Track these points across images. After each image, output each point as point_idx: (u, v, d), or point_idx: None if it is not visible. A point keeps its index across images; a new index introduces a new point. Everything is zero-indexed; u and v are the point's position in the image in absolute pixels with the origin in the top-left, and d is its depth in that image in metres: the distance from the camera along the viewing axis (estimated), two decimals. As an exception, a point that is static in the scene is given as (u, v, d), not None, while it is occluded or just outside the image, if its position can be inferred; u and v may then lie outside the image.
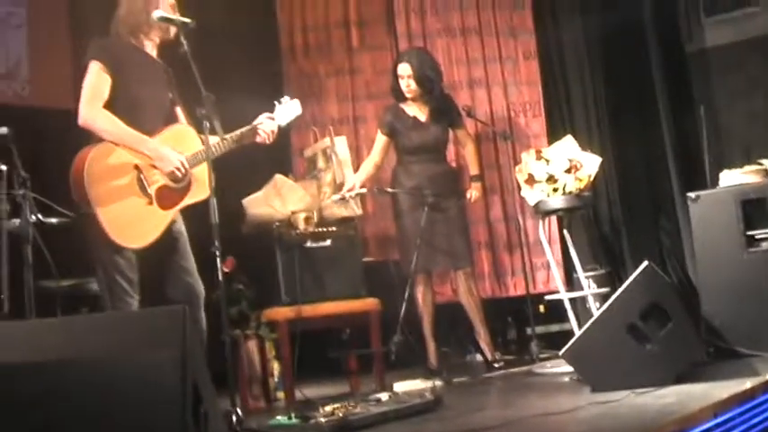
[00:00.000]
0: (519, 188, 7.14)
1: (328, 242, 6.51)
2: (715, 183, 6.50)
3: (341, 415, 4.76)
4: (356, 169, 7.20)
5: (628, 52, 8.79)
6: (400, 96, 7.13)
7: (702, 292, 6.19)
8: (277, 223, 6.49)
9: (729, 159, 7.76)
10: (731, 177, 6.30)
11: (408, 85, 7.04)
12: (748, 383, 4.79)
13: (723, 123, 8.76)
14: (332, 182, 6.90)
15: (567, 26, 8.81)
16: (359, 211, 6.88)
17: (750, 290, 6.00)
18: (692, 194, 6.29)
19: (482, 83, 8.48)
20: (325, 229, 6.56)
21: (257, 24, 8.23)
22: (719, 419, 4.28)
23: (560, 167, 6.83)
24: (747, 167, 6.35)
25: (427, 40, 8.41)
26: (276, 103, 5.50)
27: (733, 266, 6.08)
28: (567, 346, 5.29)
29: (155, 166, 4.93)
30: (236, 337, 6.16)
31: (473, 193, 7.24)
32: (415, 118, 7.11)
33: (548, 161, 6.87)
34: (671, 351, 5.13)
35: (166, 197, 4.96)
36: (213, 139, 5.03)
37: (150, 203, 4.89)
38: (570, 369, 5.63)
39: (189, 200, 5.04)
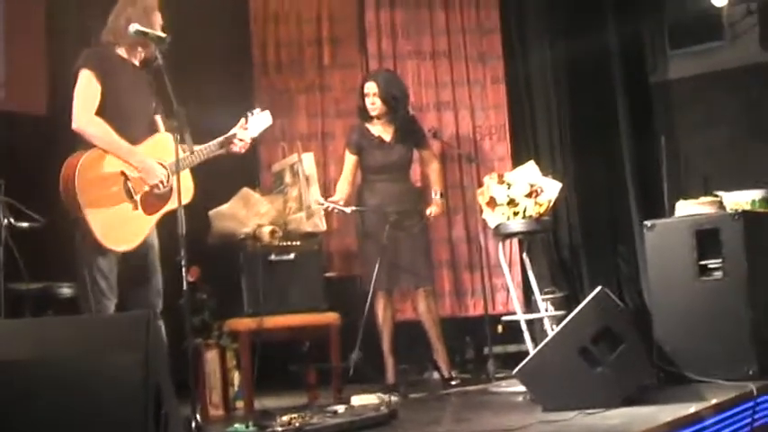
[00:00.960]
0: (481, 211, 7.26)
1: (292, 256, 6.61)
2: (672, 212, 6.65)
3: (297, 425, 4.88)
4: (323, 186, 7.34)
5: (593, 80, 8.93)
6: (365, 115, 7.24)
7: (655, 317, 6.29)
8: (242, 236, 6.59)
9: (688, 190, 7.90)
10: (687, 207, 6.45)
11: (373, 103, 7.15)
12: (693, 408, 4.93)
13: (683, 154, 8.93)
14: (298, 197, 6.99)
15: (535, 52, 8.95)
16: (323, 227, 6.98)
17: (701, 317, 6.11)
18: (648, 223, 6.42)
19: (449, 105, 8.63)
20: (289, 243, 6.66)
21: (231, 39, 8.33)
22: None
23: (521, 192, 6.97)
24: (703, 198, 6.50)
25: (397, 62, 8.55)
26: (249, 114, 5.62)
27: (685, 294, 6.20)
28: (520, 366, 5.41)
29: (132, 177, 5.08)
30: (198, 346, 6.25)
31: (433, 209, 7.29)
32: (380, 137, 7.23)
33: (509, 185, 7.01)
34: (621, 374, 5.26)
35: (150, 203, 5.15)
36: (195, 147, 5.20)
37: (136, 208, 5.08)
38: (524, 389, 5.74)
39: (170, 206, 5.20)
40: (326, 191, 7.49)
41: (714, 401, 5.11)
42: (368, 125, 7.26)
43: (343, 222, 7.95)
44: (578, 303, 5.76)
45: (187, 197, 5.14)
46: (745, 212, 6.20)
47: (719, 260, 6.12)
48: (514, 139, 8.72)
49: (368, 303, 6.78)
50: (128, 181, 5.06)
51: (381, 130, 7.25)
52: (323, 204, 6.84)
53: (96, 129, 5.02)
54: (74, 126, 5.04)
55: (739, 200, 6.53)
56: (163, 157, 5.17)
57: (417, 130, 7.42)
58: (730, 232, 6.09)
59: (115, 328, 3.29)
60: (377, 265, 6.83)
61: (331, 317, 6.61)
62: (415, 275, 7.18)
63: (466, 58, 8.72)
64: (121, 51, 5.27)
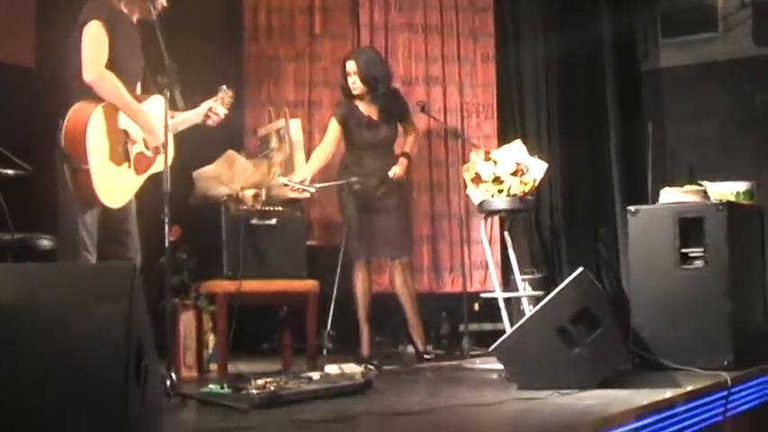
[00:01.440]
0: (465, 186, 7.25)
1: (274, 221, 6.59)
2: (656, 199, 6.66)
3: (272, 389, 4.85)
4: (308, 153, 7.31)
5: (584, 65, 8.96)
6: (348, 93, 7.21)
7: (634, 303, 6.29)
8: (225, 197, 6.56)
9: (673, 179, 7.92)
10: (671, 195, 6.45)
11: (354, 82, 7.12)
12: (668, 393, 4.95)
13: (670, 143, 8.95)
14: (283, 162, 6.98)
15: (527, 34, 8.95)
16: (312, 190, 6.92)
17: (680, 306, 6.12)
18: (632, 208, 6.42)
19: (438, 81, 8.61)
20: (271, 208, 6.64)
21: (222, 1, 8.27)
22: (637, 424, 4.43)
23: (507, 170, 6.97)
24: (688, 187, 6.50)
25: (389, 34, 8.52)
26: (222, 88, 5.57)
27: (665, 281, 6.20)
28: (497, 343, 5.41)
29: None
30: (175, 306, 6.22)
31: (396, 168, 7.17)
32: (369, 117, 7.19)
33: (495, 162, 7.01)
34: (597, 356, 5.27)
35: (141, 163, 5.17)
36: (185, 114, 5.27)
37: (129, 167, 5.10)
38: (499, 367, 5.74)
39: (156, 167, 5.20)
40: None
41: (688, 388, 5.13)
42: (357, 102, 7.22)
43: (325, 191, 7.90)
44: (556, 285, 5.76)
45: (169, 159, 5.09)
46: (729, 203, 6.21)
47: (701, 249, 6.13)
48: (501, 118, 8.72)
49: (337, 273, 6.79)
50: (127, 139, 5.07)
51: (367, 109, 7.21)
52: (288, 185, 6.80)
53: (109, 83, 4.97)
54: (86, 78, 4.94)
55: (724, 190, 6.55)
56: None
57: (401, 104, 7.39)
58: (714, 222, 6.09)
59: (99, 278, 3.26)
60: (354, 236, 6.85)
61: (310, 284, 6.59)
62: (392, 247, 7.19)
63: (457, 34, 8.70)
64: (122, 6, 5.21)
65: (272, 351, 7.24)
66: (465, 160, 7.42)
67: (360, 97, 7.19)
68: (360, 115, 7.19)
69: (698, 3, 8.65)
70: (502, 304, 7.08)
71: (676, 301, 6.14)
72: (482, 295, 7.62)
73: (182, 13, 5.89)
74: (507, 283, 7.89)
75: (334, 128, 7.22)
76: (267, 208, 6.62)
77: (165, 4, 5.16)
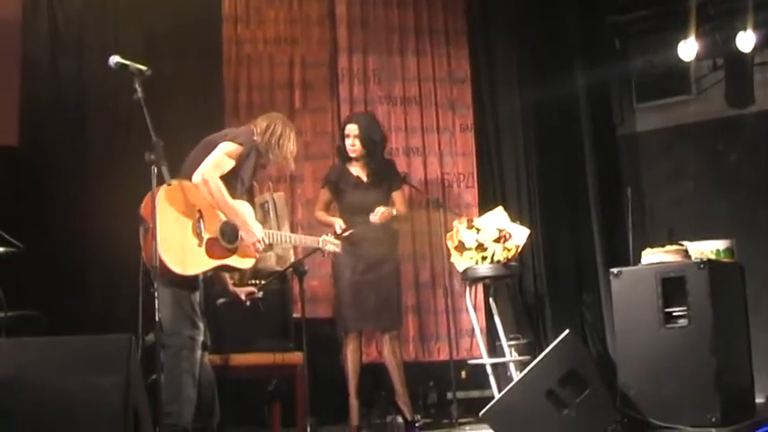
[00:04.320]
0: (449, 255, 7.31)
1: (260, 294, 6.61)
2: (637, 261, 6.73)
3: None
4: (292, 226, 7.37)
5: (561, 131, 9.07)
6: (345, 155, 7.29)
7: (620, 363, 6.34)
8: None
9: (653, 240, 7.98)
10: (653, 256, 6.53)
11: (353, 144, 7.21)
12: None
13: (648, 205, 9.05)
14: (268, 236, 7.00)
15: (505, 102, 9.07)
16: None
17: (666, 364, 6.17)
18: (614, 270, 6.49)
19: (419, 151, 8.72)
20: (257, 282, 6.66)
21: (203, 79, 8.35)
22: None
23: (490, 236, 7.05)
24: (669, 247, 6.58)
25: (368, 106, 8.62)
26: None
27: (650, 341, 6.26)
28: (487, 407, 5.45)
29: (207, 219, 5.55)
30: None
31: (380, 209, 7.16)
32: (358, 177, 7.28)
33: (478, 230, 7.08)
34: (586, 417, 5.32)
35: (214, 249, 5.57)
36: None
37: (200, 245, 5.46)
38: (489, 432, 5.78)
39: (232, 262, 5.70)
40: (294, 233, 7.49)
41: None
42: (348, 165, 7.30)
43: (310, 264, 7.94)
44: (542, 350, 5.81)
45: (247, 263, 5.80)
46: (710, 261, 6.29)
47: (685, 308, 6.19)
48: (482, 186, 8.82)
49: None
50: (201, 219, 5.48)
51: (359, 171, 7.30)
52: (338, 237, 6.80)
53: (216, 189, 5.55)
54: (196, 178, 5.53)
55: (704, 249, 6.63)
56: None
57: (393, 174, 7.47)
58: (696, 280, 6.17)
59: (97, 350, 3.30)
60: (347, 308, 6.89)
61: (296, 357, 6.59)
62: (384, 319, 7.20)
63: (436, 105, 8.84)
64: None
65: (263, 424, 7.20)
66: (448, 229, 7.48)
67: (355, 159, 7.27)
68: (349, 176, 7.28)
69: (671, 66, 8.77)
70: (489, 370, 7.12)
71: (662, 359, 6.19)
72: (469, 362, 7.65)
73: (162, 90, 5.99)
74: (493, 349, 7.92)
75: (323, 195, 7.35)
76: (253, 281, 6.64)
77: (143, 69, 5.23)
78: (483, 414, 5.48)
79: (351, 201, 7.26)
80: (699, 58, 8.62)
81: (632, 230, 7.65)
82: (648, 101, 9.29)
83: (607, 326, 8.43)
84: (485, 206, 8.37)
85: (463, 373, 8.02)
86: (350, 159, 7.30)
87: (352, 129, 7.26)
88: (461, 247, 7.11)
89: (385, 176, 7.36)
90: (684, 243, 6.64)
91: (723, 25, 8.54)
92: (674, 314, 6.22)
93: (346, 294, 7.10)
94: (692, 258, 6.46)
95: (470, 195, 8.75)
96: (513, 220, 7.38)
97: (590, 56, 9.10)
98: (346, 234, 6.82)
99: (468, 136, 8.86)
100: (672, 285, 6.23)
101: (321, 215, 7.29)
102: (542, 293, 8.77)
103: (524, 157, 9.02)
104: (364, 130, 7.24)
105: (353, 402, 7.15)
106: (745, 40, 8.33)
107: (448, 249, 7.29)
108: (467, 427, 6.78)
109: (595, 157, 9.00)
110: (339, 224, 6.96)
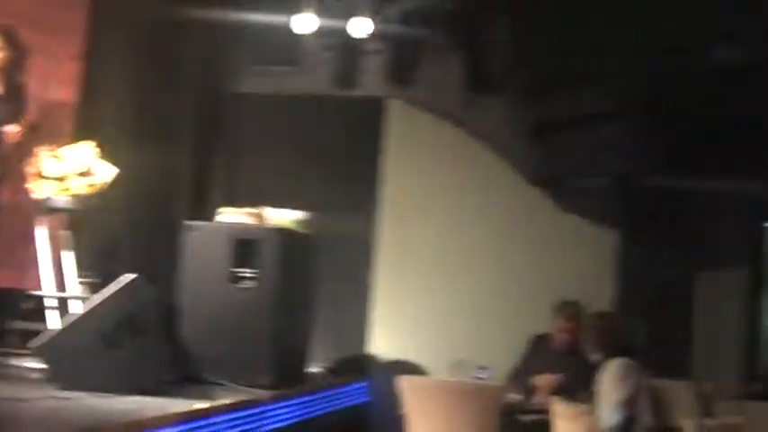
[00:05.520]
0: (29, 180, 7.09)
1: None
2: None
3: None
4: None
5: (170, 74, 9.00)
6: None
7: (185, 317, 6.42)
8: None
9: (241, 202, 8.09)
10: (228, 216, 6.66)
11: None
12: (204, 404, 5.10)
13: (244, 165, 9.21)
14: None
15: (115, 32, 8.80)
16: None
17: (229, 324, 6.35)
18: (189, 223, 6.56)
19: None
20: None
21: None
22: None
23: (74, 169, 6.90)
24: (245, 209, 6.72)
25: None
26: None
27: (217, 299, 6.40)
28: (38, 341, 5.37)
29: None
30: None
31: None
32: None
33: (62, 161, 6.92)
34: (139, 363, 5.35)
35: None
36: None
37: None
38: (44, 366, 5.65)
39: None
40: None
41: (224, 402, 5.30)
42: None
43: None
44: (110, 292, 5.76)
45: None
46: (283, 230, 6.49)
47: (254, 271, 6.35)
48: (82, 118, 8.55)
49: None
50: None
51: None
52: None
53: None
54: None
55: (282, 217, 6.82)
56: None
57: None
58: (268, 246, 6.35)
59: None
60: None
61: None
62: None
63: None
64: None
65: None
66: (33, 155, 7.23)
67: None
68: None
69: (286, 36, 8.88)
70: (52, 304, 6.97)
71: (226, 318, 6.37)
72: (33, 293, 7.46)
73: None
74: (63, 283, 7.75)
75: None
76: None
77: None
78: (34, 347, 5.38)
79: None
80: (315, 34, 8.80)
81: (224, 190, 7.73)
82: (261, 65, 9.39)
83: (180, 277, 8.46)
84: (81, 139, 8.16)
85: (26, 304, 7.79)
86: None
87: None
88: (42, 176, 6.91)
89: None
90: (265, 209, 6.79)
91: (341, 7, 8.76)
92: (243, 275, 6.37)
93: None
94: (268, 224, 6.62)
95: (68, 125, 8.49)
96: (105, 157, 7.25)
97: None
98: None
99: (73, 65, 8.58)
100: (243, 247, 6.38)
101: None
102: (123, 236, 8.67)
103: (130, 96, 8.86)
104: None
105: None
106: (358, 26, 8.60)
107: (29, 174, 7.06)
108: (23, 359, 6.60)
109: (198, 109, 9.03)
110: None
